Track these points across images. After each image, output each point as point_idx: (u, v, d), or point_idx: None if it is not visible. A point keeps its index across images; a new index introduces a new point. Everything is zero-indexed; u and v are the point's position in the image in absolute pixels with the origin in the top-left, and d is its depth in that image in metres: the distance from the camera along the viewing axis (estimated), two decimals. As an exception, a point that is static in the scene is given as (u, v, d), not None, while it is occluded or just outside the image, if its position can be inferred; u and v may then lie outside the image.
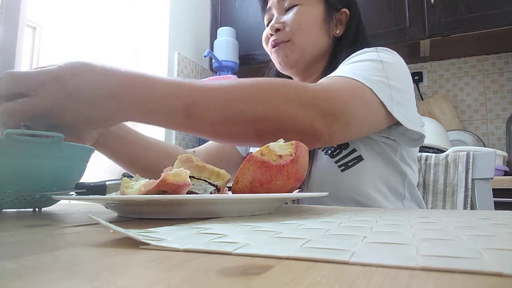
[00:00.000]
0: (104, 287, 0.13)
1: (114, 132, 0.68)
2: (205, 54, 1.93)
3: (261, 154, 0.40)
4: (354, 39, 0.79)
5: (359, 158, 0.66)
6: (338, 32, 0.80)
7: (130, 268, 0.16)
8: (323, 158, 0.68)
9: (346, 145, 0.68)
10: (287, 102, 0.50)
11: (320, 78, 0.79)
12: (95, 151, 0.53)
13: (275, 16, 0.80)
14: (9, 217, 0.41)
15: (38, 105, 0.41)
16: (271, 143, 0.42)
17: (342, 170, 0.66)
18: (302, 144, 0.44)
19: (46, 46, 3.01)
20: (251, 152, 0.42)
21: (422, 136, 0.64)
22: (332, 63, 0.77)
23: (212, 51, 2.06)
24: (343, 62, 0.69)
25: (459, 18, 1.68)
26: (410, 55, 1.95)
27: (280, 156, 0.41)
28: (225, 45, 2.05)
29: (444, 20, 1.71)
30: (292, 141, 0.43)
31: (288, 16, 0.77)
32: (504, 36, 1.72)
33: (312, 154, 0.68)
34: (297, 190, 0.50)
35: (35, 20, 2.91)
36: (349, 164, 0.66)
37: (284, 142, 0.42)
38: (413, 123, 0.62)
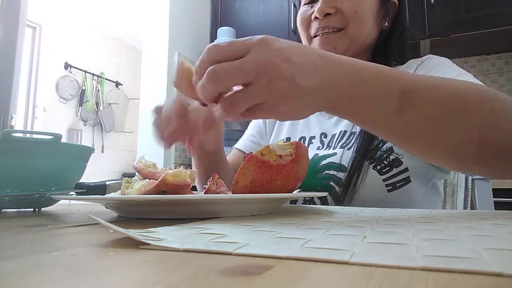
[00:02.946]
0: (104, 287, 0.13)
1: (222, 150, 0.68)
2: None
3: (261, 154, 0.40)
4: (402, 33, 0.73)
5: (407, 180, 0.61)
6: (386, 24, 0.72)
7: (130, 268, 0.16)
8: (371, 173, 0.61)
9: (399, 163, 0.61)
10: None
11: None
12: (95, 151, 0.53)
13: None
14: (9, 217, 0.41)
15: (250, 62, 0.33)
16: (271, 143, 0.42)
17: (389, 191, 0.61)
18: (302, 144, 0.44)
19: (46, 46, 3.02)
20: (251, 152, 0.41)
21: None
22: (379, 58, 0.71)
23: (212, 51, 2.06)
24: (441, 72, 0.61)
25: (459, 18, 1.68)
26: (410, 55, 1.95)
27: (280, 156, 0.40)
28: (225, 45, 2.05)
29: (444, 20, 1.71)
30: (292, 141, 0.43)
31: (344, 1, 0.66)
32: (504, 36, 1.72)
33: (361, 167, 0.62)
34: (297, 190, 0.50)
35: (35, 20, 2.91)
36: (397, 185, 0.61)
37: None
38: None
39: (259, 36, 0.34)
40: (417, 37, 1.75)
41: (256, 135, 0.86)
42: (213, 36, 2.20)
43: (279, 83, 0.33)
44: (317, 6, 0.67)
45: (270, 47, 0.33)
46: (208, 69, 0.33)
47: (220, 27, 2.15)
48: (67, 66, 3.18)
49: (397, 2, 0.73)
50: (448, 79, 0.41)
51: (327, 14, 0.67)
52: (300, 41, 0.74)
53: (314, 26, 0.68)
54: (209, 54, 0.34)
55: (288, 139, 0.78)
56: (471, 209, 0.88)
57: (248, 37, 0.35)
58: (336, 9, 0.66)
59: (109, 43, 3.58)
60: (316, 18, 0.67)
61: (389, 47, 0.72)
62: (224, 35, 2.09)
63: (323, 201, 0.66)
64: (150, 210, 0.36)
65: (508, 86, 1.92)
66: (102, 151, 3.41)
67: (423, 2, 1.75)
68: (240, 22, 2.19)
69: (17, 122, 2.02)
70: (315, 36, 0.69)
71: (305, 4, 0.72)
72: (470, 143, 0.38)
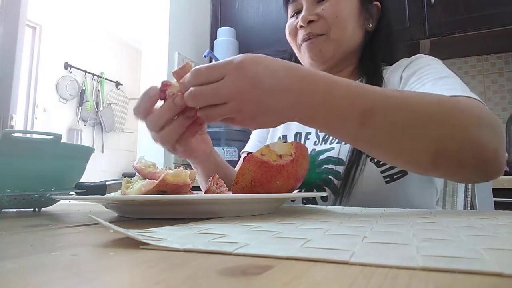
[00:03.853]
0: (104, 287, 0.13)
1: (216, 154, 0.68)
2: (205, 54, 1.93)
3: (261, 154, 0.40)
4: (388, 34, 0.76)
5: (404, 172, 0.63)
6: (371, 26, 0.75)
7: (130, 268, 0.16)
8: (369, 166, 0.64)
9: None
10: (478, 123, 0.44)
11: (353, 74, 0.77)
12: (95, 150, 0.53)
13: (305, 7, 0.72)
14: (9, 217, 0.41)
15: (223, 89, 0.39)
16: (271, 143, 0.42)
17: (387, 182, 0.63)
18: (302, 144, 0.44)
19: (46, 46, 3.02)
20: (251, 152, 0.41)
21: None
22: (367, 59, 0.73)
23: (212, 51, 2.06)
24: (416, 70, 0.65)
25: (459, 18, 1.68)
26: (410, 55, 1.95)
27: (280, 156, 0.41)
28: (225, 45, 2.05)
29: (444, 20, 1.71)
30: (292, 141, 0.43)
31: (324, 7, 0.70)
32: (504, 36, 1.72)
33: (359, 160, 0.64)
34: (297, 190, 0.50)
35: (35, 20, 2.91)
36: (394, 177, 0.63)
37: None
38: None
39: (238, 59, 0.39)
40: (417, 37, 1.75)
41: (265, 135, 0.87)
42: (213, 36, 2.20)
43: (247, 106, 0.39)
44: (301, 15, 0.72)
45: (245, 74, 0.39)
46: (190, 90, 0.41)
47: (220, 27, 2.15)
48: (67, 66, 3.18)
49: (379, 4, 0.76)
50: (415, 94, 0.45)
51: (311, 22, 0.71)
52: None
53: (300, 34, 0.72)
54: (190, 77, 0.41)
55: (284, 136, 0.79)
56: (471, 209, 0.88)
57: (230, 59, 0.40)
58: (318, 16, 0.70)
59: (109, 43, 3.58)
60: (301, 26, 0.72)
61: (376, 48, 0.74)
62: (224, 35, 2.09)
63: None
64: (150, 210, 0.36)
65: (508, 86, 1.92)
66: (102, 151, 3.41)
67: (423, 2, 1.75)
68: (240, 22, 2.19)
69: (17, 122, 2.02)
70: (304, 42, 0.73)
71: (291, 16, 0.76)
72: (427, 154, 0.43)
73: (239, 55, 0.40)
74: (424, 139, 0.42)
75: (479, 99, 0.50)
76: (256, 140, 0.87)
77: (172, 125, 0.45)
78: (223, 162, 0.72)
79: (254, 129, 0.44)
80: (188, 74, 0.41)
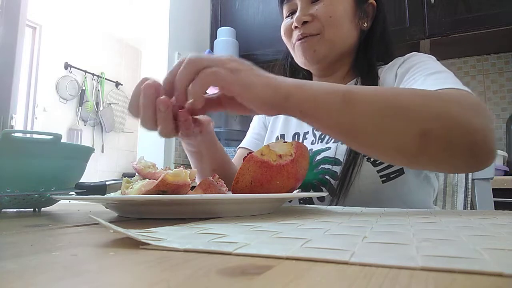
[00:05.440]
0: (104, 287, 0.13)
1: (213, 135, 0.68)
2: (205, 54, 1.93)
3: (261, 154, 0.40)
4: (383, 32, 0.76)
5: (401, 171, 0.63)
6: (366, 25, 0.75)
7: (130, 268, 0.16)
8: (365, 165, 0.64)
9: None
10: (461, 106, 0.44)
11: (348, 74, 0.77)
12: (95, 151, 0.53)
13: (299, 7, 0.72)
14: (9, 217, 0.41)
15: (203, 59, 0.41)
16: (271, 143, 0.42)
17: (383, 181, 0.63)
18: (302, 144, 0.44)
19: (46, 46, 3.01)
20: (251, 152, 0.41)
21: None
22: (362, 59, 0.74)
23: (212, 51, 2.06)
24: (410, 68, 0.65)
25: (459, 18, 1.68)
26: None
27: (280, 156, 0.40)
28: (225, 45, 2.05)
29: (444, 20, 1.71)
30: (292, 141, 0.43)
31: (318, 8, 0.70)
32: (504, 36, 1.72)
33: (356, 160, 0.64)
34: (297, 190, 0.50)
35: (35, 20, 2.91)
36: (391, 176, 0.63)
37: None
38: None
39: (228, 56, 0.42)
40: (417, 37, 1.75)
41: (262, 132, 0.87)
42: (213, 36, 2.20)
43: (229, 63, 0.41)
44: (295, 16, 0.72)
45: (224, 60, 0.41)
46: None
47: (220, 27, 2.15)
48: (67, 66, 3.18)
49: (375, 2, 0.75)
50: (398, 87, 0.46)
51: (305, 22, 0.71)
52: None
53: (295, 34, 0.73)
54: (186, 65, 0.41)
55: (282, 136, 0.80)
56: (471, 209, 0.88)
57: (218, 56, 0.42)
58: (312, 16, 0.70)
59: (109, 43, 3.58)
60: (296, 27, 0.72)
61: (371, 48, 0.74)
62: (224, 35, 2.09)
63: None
64: (150, 210, 0.36)
65: (508, 86, 1.92)
66: (102, 151, 3.40)
67: (423, 2, 1.75)
68: (240, 22, 2.19)
69: (17, 122, 2.02)
70: (298, 42, 0.73)
71: (286, 17, 0.77)
72: (412, 136, 0.41)
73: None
74: (407, 119, 0.41)
75: (470, 91, 0.50)
76: (253, 138, 0.87)
77: (161, 116, 0.44)
78: (228, 157, 0.72)
79: (241, 98, 0.44)
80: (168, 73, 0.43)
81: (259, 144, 0.84)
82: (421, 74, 0.60)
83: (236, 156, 0.85)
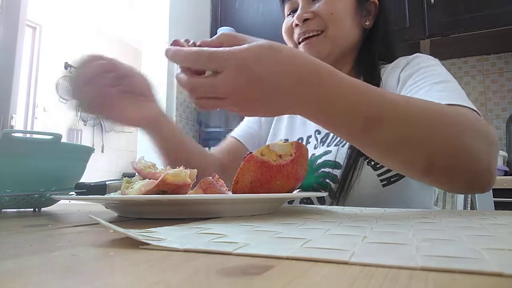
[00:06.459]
0: (104, 287, 0.13)
1: (167, 120, 0.67)
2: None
3: (261, 154, 0.40)
4: (385, 30, 0.76)
5: (401, 175, 0.63)
6: (368, 23, 0.74)
7: (130, 268, 0.16)
8: (366, 169, 0.64)
9: None
10: (468, 133, 0.44)
11: (351, 74, 0.75)
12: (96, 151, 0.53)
13: (300, 5, 0.71)
14: (9, 217, 0.41)
15: (221, 86, 0.38)
16: (271, 143, 0.42)
17: (384, 185, 0.63)
18: (302, 144, 0.44)
19: (46, 46, 3.02)
20: (251, 152, 0.41)
21: None
22: (364, 58, 0.73)
23: (212, 51, 2.06)
24: (413, 72, 0.64)
25: (459, 18, 1.68)
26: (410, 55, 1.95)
27: (280, 156, 0.40)
28: (225, 45, 2.05)
29: (444, 20, 1.71)
30: (292, 141, 0.43)
31: (319, 5, 0.70)
32: (504, 36, 1.72)
33: (357, 164, 0.64)
34: (297, 190, 0.50)
35: (35, 20, 2.91)
36: (392, 179, 0.63)
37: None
38: None
39: (241, 56, 0.38)
40: (417, 37, 1.75)
41: (255, 127, 0.86)
42: (213, 36, 2.20)
43: (244, 104, 0.40)
44: (296, 14, 0.72)
45: (245, 73, 0.37)
46: (189, 80, 0.40)
47: (220, 27, 2.15)
48: (67, 66, 3.18)
49: (377, 1, 0.75)
50: (420, 104, 0.44)
51: (306, 20, 0.70)
52: None
53: (297, 32, 0.72)
54: (189, 56, 0.40)
55: (286, 141, 0.79)
56: (471, 209, 0.88)
57: (234, 50, 0.38)
58: (313, 14, 0.70)
59: (109, 43, 3.58)
60: (297, 25, 0.71)
61: (374, 46, 0.74)
62: (224, 35, 2.09)
63: (320, 198, 0.67)
64: (150, 210, 0.36)
65: (508, 86, 1.92)
66: (102, 151, 3.41)
67: (423, 2, 1.75)
68: (240, 22, 2.19)
69: (17, 122, 2.02)
70: (299, 43, 0.72)
71: (287, 15, 0.76)
72: (420, 163, 0.44)
73: (245, 46, 0.38)
74: (421, 150, 0.43)
75: (475, 109, 0.51)
76: (246, 130, 0.85)
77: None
78: (188, 139, 0.71)
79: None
80: (188, 50, 0.41)
81: (250, 137, 0.83)
82: (425, 82, 0.59)
83: (224, 143, 0.83)
